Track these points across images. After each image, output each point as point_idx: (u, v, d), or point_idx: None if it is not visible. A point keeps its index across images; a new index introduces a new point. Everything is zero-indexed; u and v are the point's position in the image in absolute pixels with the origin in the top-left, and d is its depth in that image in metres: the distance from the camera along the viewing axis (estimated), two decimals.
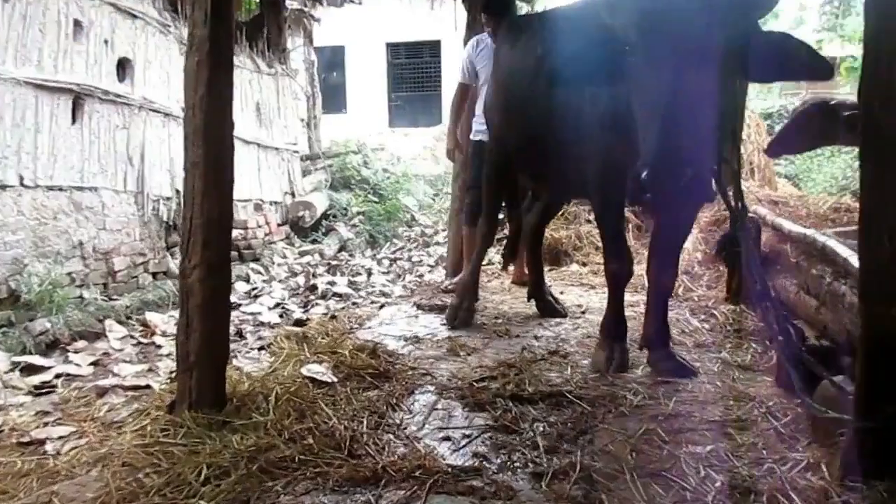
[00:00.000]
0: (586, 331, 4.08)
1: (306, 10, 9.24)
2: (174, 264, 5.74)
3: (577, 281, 5.59)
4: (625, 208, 3.58)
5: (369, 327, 4.27)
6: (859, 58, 2.16)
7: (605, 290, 4.99)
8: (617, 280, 3.40)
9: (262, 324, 4.80)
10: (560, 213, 6.67)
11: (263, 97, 6.78)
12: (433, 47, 16.53)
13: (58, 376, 3.82)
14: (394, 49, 16.99)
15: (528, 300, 4.61)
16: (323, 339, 3.98)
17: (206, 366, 2.67)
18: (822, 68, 2.50)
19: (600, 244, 6.22)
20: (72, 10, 4.62)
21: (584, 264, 6.09)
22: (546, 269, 6.07)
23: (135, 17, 5.28)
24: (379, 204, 8.61)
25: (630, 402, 2.95)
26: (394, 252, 7.32)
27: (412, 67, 16.97)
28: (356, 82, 16.80)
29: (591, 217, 6.58)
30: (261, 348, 4.05)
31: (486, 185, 4.40)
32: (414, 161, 11.97)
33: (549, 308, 4.52)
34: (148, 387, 3.65)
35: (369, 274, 6.21)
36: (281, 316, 4.99)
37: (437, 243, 7.12)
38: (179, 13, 5.82)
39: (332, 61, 16.16)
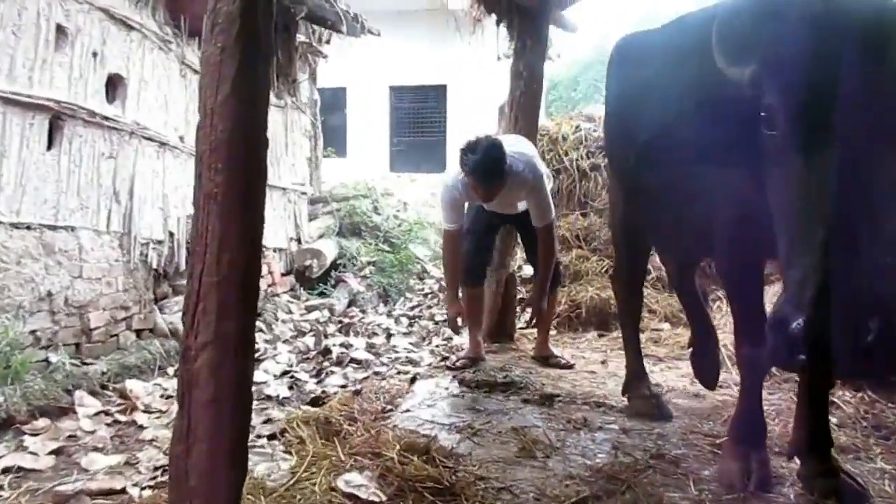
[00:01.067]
0: (684, 422, 3.24)
1: (314, 45, 8.55)
2: (162, 320, 4.84)
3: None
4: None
5: (407, 410, 3.40)
6: None
7: (678, 362, 4.39)
8: (753, 367, 2.58)
9: (269, 398, 3.92)
10: (605, 270, 5.94)
11: (271, 130, 6.02)
12: (438, 91, 15.96)
13: (5, 471, 2.91)
14: (397, 93, 16.40)
15: (623, 394, 3.55)
16: (351, 425, 3.15)
17: (212, 495, 1.80)
18: None
19: (654, 306, 5.57)
20: (55, 13, 3.83)
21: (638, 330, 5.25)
22: (592, 333, 5.34)
23: (131, 28, 4.50)
24: (392, 254, 7.79)
25: None
26: (411, 309, 6.48)
27: (416, 112, 16.36)
28: (357, 125, 16.14)
29: None
30: (271, 436, 3.16)
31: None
32: (422, 207, 11.21)
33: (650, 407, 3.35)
34: (124, 491, 2.75)
35: (389, 335, 5.36)
36: (291, 388, 4.12)
37: None
38: (182, 30, 5.05)
39: (332, 103, 15.53)
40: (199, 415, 1.79)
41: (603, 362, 4.38)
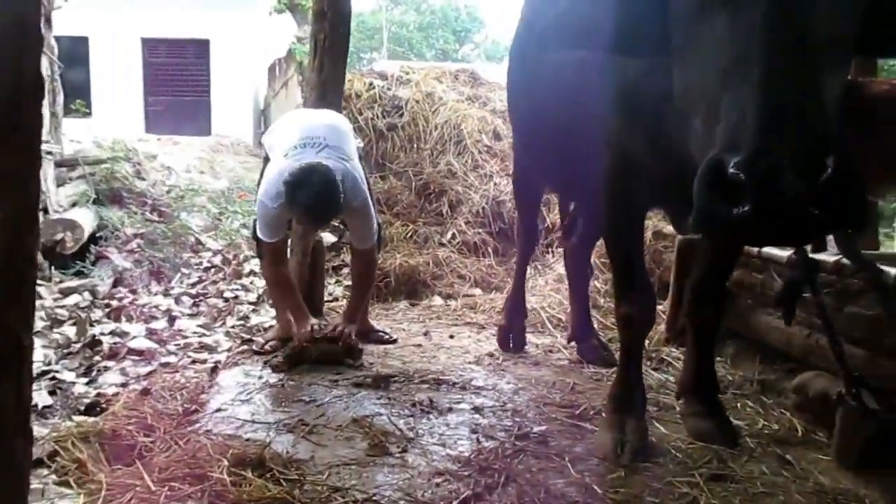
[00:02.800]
0: (533, 394, 3.01)
1: None
2: None
3: (457, 318, 4.51)
4: (643, 226, 2.59)
5: (219, 409, 2.79)
6: None
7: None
8: (632, 328, 2.39)
9: None
10: (409, 235, 5.63)
11: None
12: (200, 46, 14.55)
13: None
14: (151, 46, 14.67)
15: (569, 342, 3.70)
16: (148, 436, 2.50)
17: None
18: None
19: (463, 271, 5.38)
20: None
21: (450, 296, 5.03)
22: (404, 303, 5.01)
23: None
24: (162, 224, 6.79)
25: None
26: (193, 286, 5.65)
27: (174, 68, 14.78)
28: (103, 81, 14.21)
29: (446, 240, 5.61)
30: (37, 462, 2.37)
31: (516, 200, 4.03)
32: (188, 174, 10.10)
33: (595, 353, 3.49)
34: None
35: (172, 318, 4.55)
36: (53, 393, 3.25)
37: (254, 273, 5.62)
38: None
39: (72, 54, 13.47)
40: None
41: (426, 334, 4.05)
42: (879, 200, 5.38)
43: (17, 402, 1.18)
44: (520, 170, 3.78)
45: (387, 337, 3.88)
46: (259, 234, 3.41)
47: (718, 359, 3.20)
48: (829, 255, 2.64)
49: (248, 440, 2.44)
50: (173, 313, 4.72)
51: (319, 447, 2.41)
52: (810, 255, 2.52)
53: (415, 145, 6.26)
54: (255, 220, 3.58)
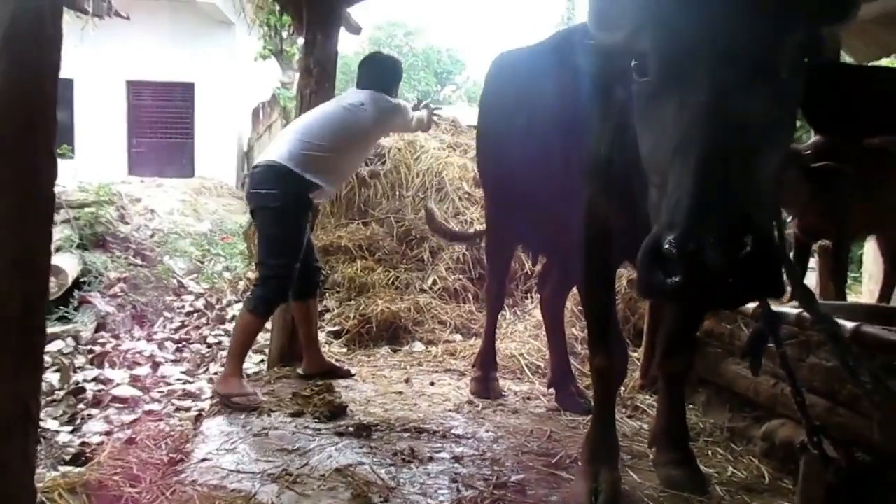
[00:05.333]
0: (511, 442, 3.10)
1: None
2: None
3: (437, 365, 4.59)
4: (614, 280, 2.72)
5: (204, 459, 2.84)
6: None
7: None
8: (605, 380, 2.50)
9: None
10: (391, 281, 5.72)
11: None
12: (185, 89, 14.71)
13: None
14: (136, 89, 14.82)
15: (548, 389, 3.81)
16: (134, 487, 2.56)
17: None
18: None
19: (444, 317, 5.47)
20: None
21: (431, 342, 5.11)
22: (385, 349, 5.08)
23: None
24: (146, 268, 6.84)
25: None
26: (176, 331, 5.69)
27: (159, 110, 14.91)
28: (87, 122, 14.30)
29: (427, 286, 5.71)
30: None
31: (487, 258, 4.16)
32: (172, 216, 10.16)
33: (572, 401, 3.60)
34: None
35: (155, 364, 4.59)
36: (38, 442, 3.27)
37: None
38: None
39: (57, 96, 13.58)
40: None
41: (407, 381, 4.12)
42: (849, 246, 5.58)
43: (23, 462, 1.26)
44: (493, 230, 3.92)
45: (346, 370, 4.11)
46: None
47: (690, 406, 3.31)
48: (792, 308, 2.78)
49: (233, 490, 2.50)
50: (157, 359, 4.77)
51: (304, 497, 2.48)
52: (774, 308, 2.65)
53: (397, 192, 6.40)
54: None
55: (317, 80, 4.20)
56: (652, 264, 1.37)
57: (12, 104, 1.21)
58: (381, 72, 3.97)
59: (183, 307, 6.90)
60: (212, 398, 3.92)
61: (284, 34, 12.49)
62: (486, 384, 3.81)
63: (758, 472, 2.77)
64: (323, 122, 3.75)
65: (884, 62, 6.12)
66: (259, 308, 3.61)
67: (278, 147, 3.68)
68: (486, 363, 3.89)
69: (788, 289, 2.33)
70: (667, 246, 1.33)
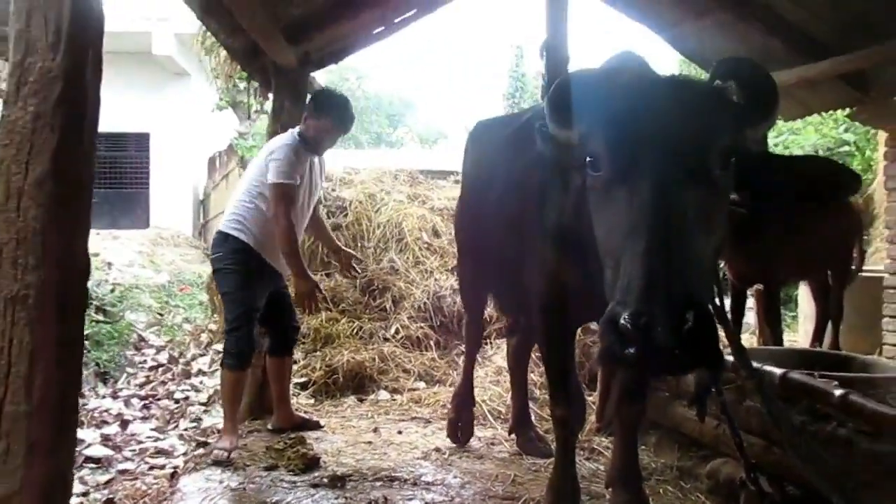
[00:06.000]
0: (478, 487, 3.29)
1: None
2: None
3: (403, 413, 4.76)
4: (574, 338, 2.97)
5: None
6: None
7: (444, 423, 4.45)
8: (565, 428, 2.73)
9: None
10: (355, 331, 5.90)
11: None
12: (140, 139, 14.74)
13: None
14: None
15: (510, 434, 4.02)
16: None
17: None
18: (846, 186, 2.15)
19: (408, 365, 5.65)
20: None
21: (395, 391, 5.28)
22: (352, 398, 5.23)
23: None
24: (108, 324, 6.87)
25: None
26: (141, 387, 5.74)
27: (113, 161, 14.87)
28: None
29: (391, 335, 5.90)
30: None
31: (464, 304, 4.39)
32: (130, 268, 10.15)
33: (533, 446, 3.82)
34: None
35: (124, 423, 4.66)
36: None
37: (203, 372, 5.75)
38: None
39: None
40: None
41: (375, 430, 4.29)
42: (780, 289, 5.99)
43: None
44: (465, 281, 4.16)
45: (314, 421, 4.29)
46: (279, 179, 3.77)
47: (642, 447, 3.56)
48: (731, 356, 3.07)
49: None
50: (125, 417, 4.83)
51: None
52: None
53: (359, 243, 6.60)
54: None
55: (283, 126, 4.40)
56: (610, 337, 1.62)
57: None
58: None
59: (145, 361, 6.92)
60: (184, 455, 4.02)
61: (242, 85, 12.71)
62: (460, 427, 3.98)
63: None
64: (246, 175, 4.07)
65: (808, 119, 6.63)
66: (227, 361, 3.81)
67: (227, 210, 4.00)
68: (462, 404, 4.03)
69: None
70: (622, 322, 1.58)
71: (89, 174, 1.49)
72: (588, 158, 1.89)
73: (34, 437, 1.37)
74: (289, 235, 3.78)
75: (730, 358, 3.04)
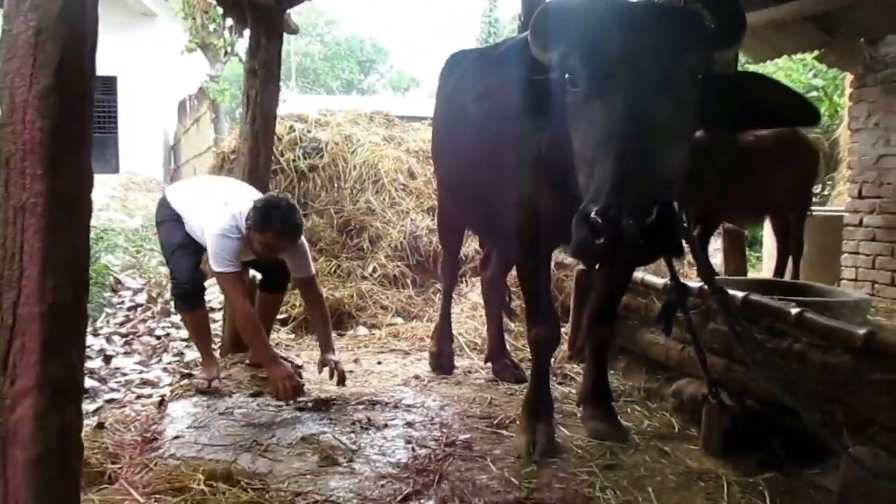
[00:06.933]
0: (457, 409, 3.46)
1: None
2: None
3: (382, 346, 4.91)
4: (549, 262, 3.10)
5: (178, 436, 3.09)
6: None
7: (422, 354, 4.61)
8: (541, 347, 2.89)
9: None
10: (333, 270, 6.00)
11: None
12: (107, 83, 14.42)
13: None
14: None
15: (486, 363, 4.17)
16: (115, 463, 2.80)
17: None
18: (805, 115, 2.27)
19: (385, 302, 5.79)
20: None
21: (374, 326, 5.42)
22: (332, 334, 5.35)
23: None
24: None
25: (605, 500, 2.44)
26: (121, 325, 5.81)
27: None
28: None
29: (368, 273, 6.02)
30: None
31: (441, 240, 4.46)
32: (103, 212, 10.08)
33: (508, 372, 3.98)
34: None
35: (107, 358, 4.74)
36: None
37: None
38: None
39: None
40: (21, 477, 1.46)
41: (356, 361, 4.43)
42: (743, 229, 6.19)
43: (78, 421, 1.54)
44: (443, 214, 4.26)
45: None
46: (220, 268, 3.60)
47: (611, 371, 3.74)
48: (696, 283, 3.24)
49: (210, 460, 2.76)
50: (107, 352, 4.91)
51: (276, 462, 2.77)
52: (682, 282, 3.10)
53: (335, 185, 6.66)
54: (174, 262, 3.84)
55: (262, 81, 4.42)
56: (582, 228, 1.78)
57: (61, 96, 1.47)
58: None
59: (123, 302, 6.98)
60: (170, 385, 4.13)
61: (212, 27, 12.46)
62: (441, 359, 4.15)
63: (669, 423, 3.22)
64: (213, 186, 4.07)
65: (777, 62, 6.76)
66: (178, 305, 3.94)
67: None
68: (442, 339, 4.20)
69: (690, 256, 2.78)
70: (593, 215, 1.74)
71: (90, 88, 1.55)
72: (567, 75, 2.03)
73: (47, 336, 1.45)
74: (248, 320, 3.68)
75: (694, 284, 3.22)
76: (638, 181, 1.75)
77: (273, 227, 3.53)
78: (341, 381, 3.73)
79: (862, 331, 2.42)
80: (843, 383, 2.51)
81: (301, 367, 4.30)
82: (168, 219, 3.89)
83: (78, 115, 1.51)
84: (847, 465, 2.18)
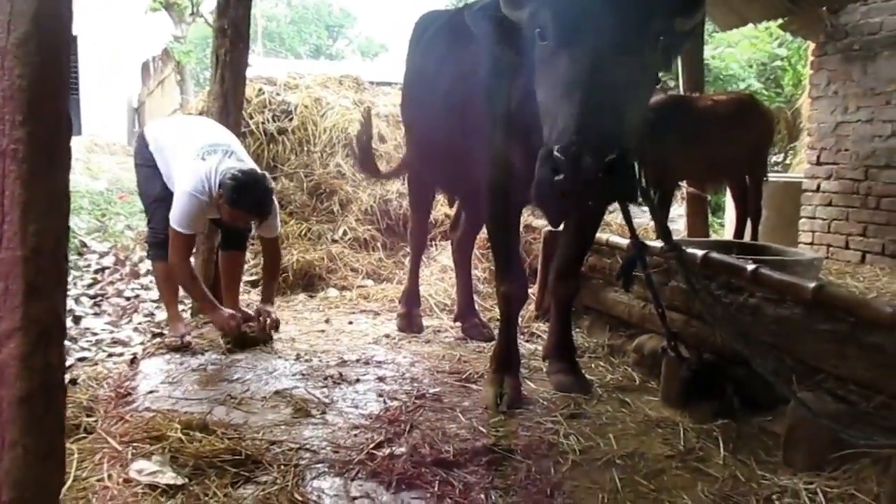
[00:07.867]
0: (427, 365, 3.55)
1: None
2: None
3: (353, 307, 4.97)
4: (519, 220, 3.19)
5: (152, 391, 3.13)
6: None
7: (392, 314, 4.69)
8: (510, 304, 2.98)
9: None
10: (304, 233, 6.02)
11: None
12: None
13: None
14: None
15: (455, 322, 4.27)
16: (90, 416, 2.85)
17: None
18: None
19: (356, 265, 5.84)
20: None
21: (344, 288, 5.47)
22: (301, 295, 5.41)
23: None
24: None
25: (568, 445, 2.56)
26: (90, 287, 5.78)
27: None
28: None
29: (338, 236, 6.05)
30: None
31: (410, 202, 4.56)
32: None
33: (477, 331, 4.07)
34: None
35: (76, 318, 4.74)
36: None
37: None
38: None
39: None
40: (8, 415, 1.51)
41: (327, 321, 4.48)
42: (707, 195, 6.34)
43: (60, 362, 1.59)
44: (414, 175, 4.31)
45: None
46: (177, 226, 3.61)
47: (577, 329, 3.87)
48: (656, 242, 3.35)
49: (185, 413, 2.82)
50: (76, 313, 4.90)
51: (251, 414, 2.84)
52: (643, 241, 3.21)
53: (305, 148, 6.64)
54: (151, 212, 3.90)
55: (231, 40, 4.38)
56: (544, 167, 1.89)
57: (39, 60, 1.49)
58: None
59: (90, 266, 6.91)
60: (142, 344, 4.15)
61: None
62: (410, 319, 4.23)
63: (631, 377, 3.36)
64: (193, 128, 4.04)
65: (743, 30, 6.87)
66: (152, 252, 3.95)
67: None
68: (411, 300, 4.30)
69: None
70: (555, 152, 1.85)
71: (68, 37, 1.57)
72: (537, 30, 2.12)
73: (30, 279, 1.49)
74: (180, 272, 3.73)
75: (655, 244, 3.34)
76: (599, 125, 1.86)
77: (244, 206, 3.57)
78: (273, 328, 3.93)
79: (812, 284, 2.55)
80: (793, 334, 2.65)
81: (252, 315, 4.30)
82: (145, 163, 3.87)
83: (57, 61, 1.53)
84: (794, 408, 2.32)
